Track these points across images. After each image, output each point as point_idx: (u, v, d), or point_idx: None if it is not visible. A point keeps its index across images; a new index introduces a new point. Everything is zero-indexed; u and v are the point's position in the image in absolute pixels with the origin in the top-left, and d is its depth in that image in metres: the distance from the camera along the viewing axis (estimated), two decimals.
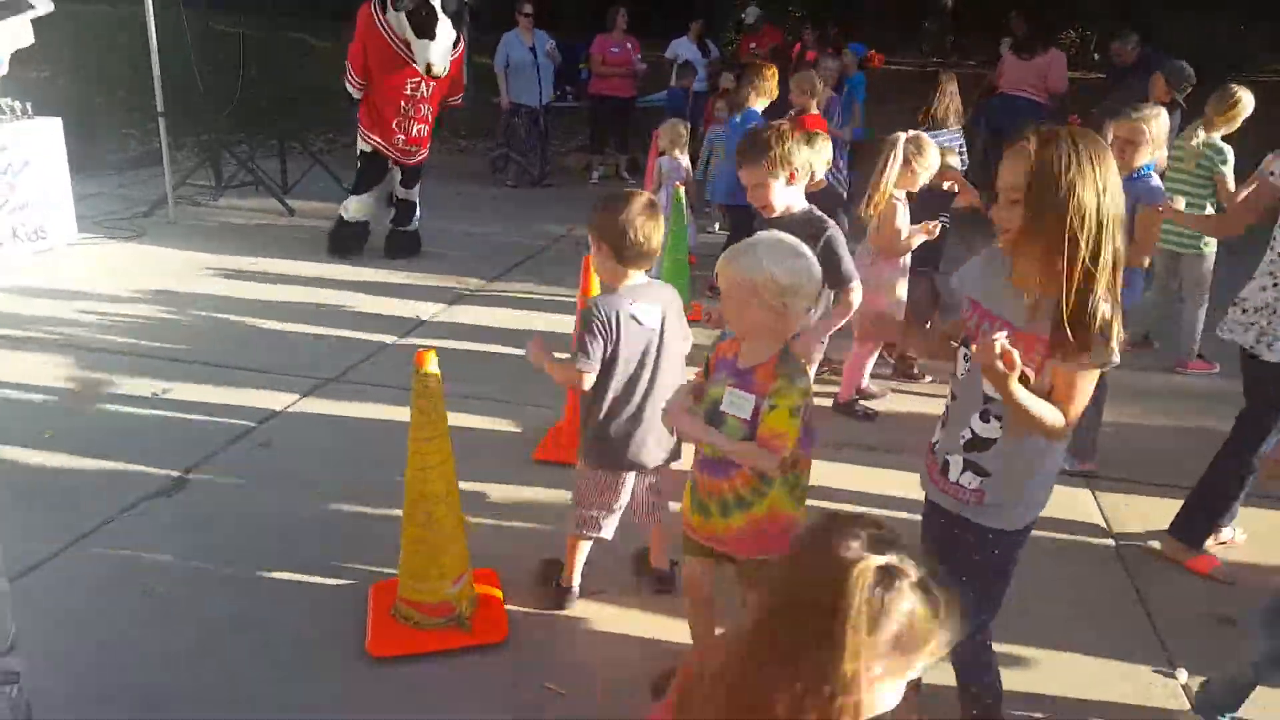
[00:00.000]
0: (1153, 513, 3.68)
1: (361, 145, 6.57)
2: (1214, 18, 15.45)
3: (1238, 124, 4.81)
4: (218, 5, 8.48)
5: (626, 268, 2.67)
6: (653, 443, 2.77)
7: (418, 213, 6.93)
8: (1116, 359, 1.92)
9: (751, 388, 2.20)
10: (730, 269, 2.19)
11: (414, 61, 6.14)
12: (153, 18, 6.84)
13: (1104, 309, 1.86)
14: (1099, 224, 1.83)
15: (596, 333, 2.60)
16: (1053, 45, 9.06)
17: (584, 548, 2.96)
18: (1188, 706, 2.66)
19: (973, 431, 2.08)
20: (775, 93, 6.02)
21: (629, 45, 9.75)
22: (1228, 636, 2.96)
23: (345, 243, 6.75)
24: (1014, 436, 2.03)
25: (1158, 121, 3.72)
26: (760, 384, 2.18)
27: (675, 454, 2.88)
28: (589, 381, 2.67)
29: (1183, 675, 2.80)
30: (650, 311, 2.69)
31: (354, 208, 6.71)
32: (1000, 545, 2.13)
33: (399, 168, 6.65)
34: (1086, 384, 1.95)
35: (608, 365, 2.66)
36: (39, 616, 2.78)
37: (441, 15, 6.00)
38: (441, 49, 6.11)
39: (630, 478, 2.84)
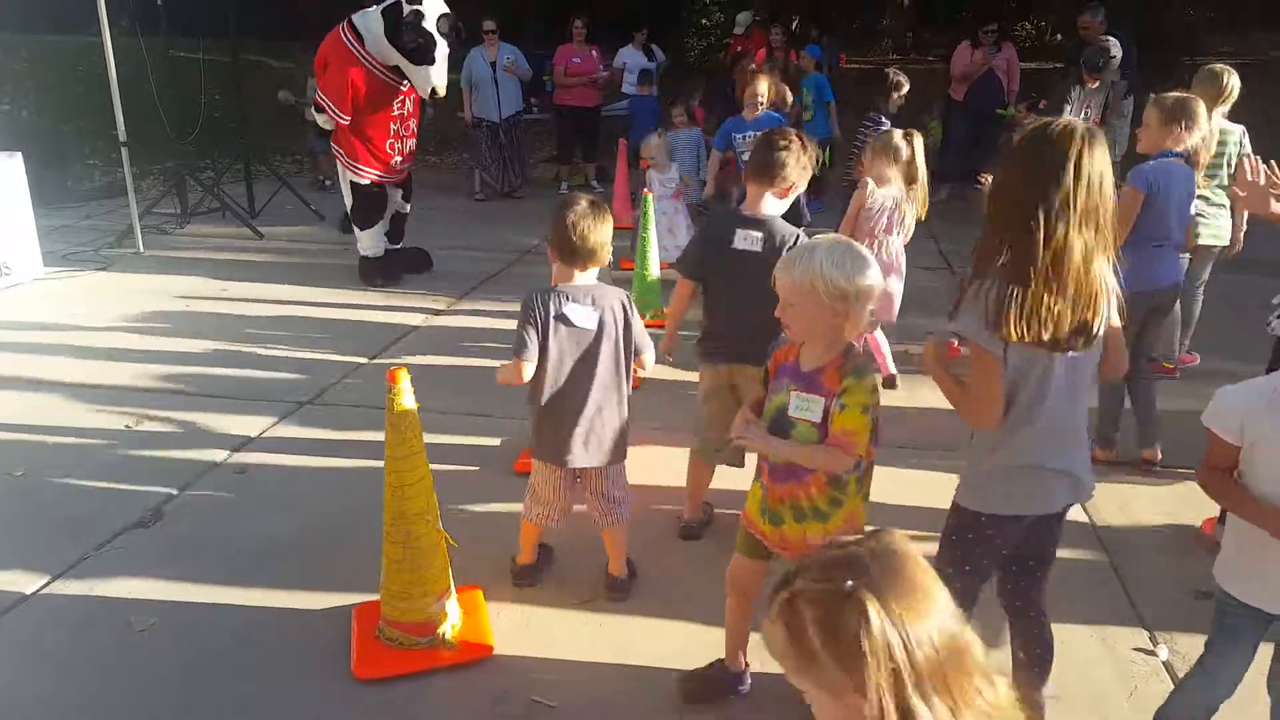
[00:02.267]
0: (1128, 491, 3.74)
1: (355, 179, 6.30)
2: (1167, 3, 15.72)
3: (1228, 106, 4.75)
4: (175, 32, 8.41)
5: (570, 268, 2.82)
6: (580, 445, 2.85)
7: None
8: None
9: (819, 390, 2.20)
10: (790, 273, 2.18)
11: (401, 86, 6.13)
12: (110, 47, 6.79)
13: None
14: None
15: (530, 323, 2.76)
16: (963, 39, 9.41)
17: (530, 531, 3.08)
18: (1169, 683, 2.69)
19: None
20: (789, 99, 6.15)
21: (592, 54, 9.76)
22: (1207, 611, 3.00)
23: (382, 273, 6.55)
24: None
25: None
26: (828, 385, 2.19)
27: (615, 457, 2.93)
28: (528, 371, 2.79)
29: (1163, 652, 2.83)
30: (583, 313, 2.77)
31: (368, 242, 6.52)
32: None
33: (397, 187, 6.60)
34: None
35: (540, 359, 2.78)
36: (19, 657, 2.76)
37: (439, 39, 5.98)
38: (442, 71, 6.13)
39: (562, 475, 2.93)
